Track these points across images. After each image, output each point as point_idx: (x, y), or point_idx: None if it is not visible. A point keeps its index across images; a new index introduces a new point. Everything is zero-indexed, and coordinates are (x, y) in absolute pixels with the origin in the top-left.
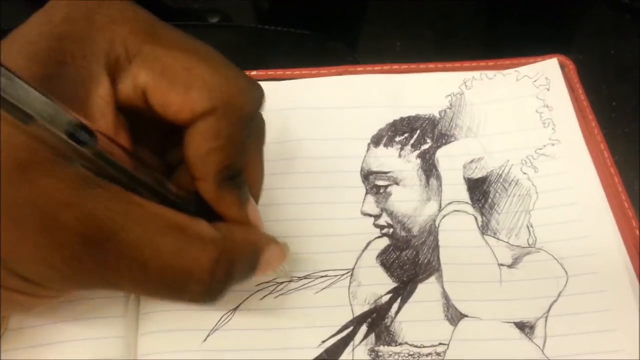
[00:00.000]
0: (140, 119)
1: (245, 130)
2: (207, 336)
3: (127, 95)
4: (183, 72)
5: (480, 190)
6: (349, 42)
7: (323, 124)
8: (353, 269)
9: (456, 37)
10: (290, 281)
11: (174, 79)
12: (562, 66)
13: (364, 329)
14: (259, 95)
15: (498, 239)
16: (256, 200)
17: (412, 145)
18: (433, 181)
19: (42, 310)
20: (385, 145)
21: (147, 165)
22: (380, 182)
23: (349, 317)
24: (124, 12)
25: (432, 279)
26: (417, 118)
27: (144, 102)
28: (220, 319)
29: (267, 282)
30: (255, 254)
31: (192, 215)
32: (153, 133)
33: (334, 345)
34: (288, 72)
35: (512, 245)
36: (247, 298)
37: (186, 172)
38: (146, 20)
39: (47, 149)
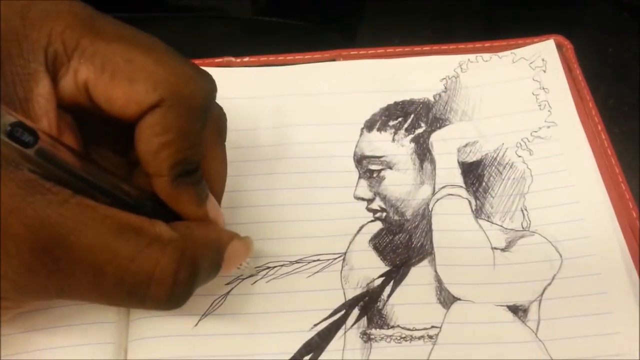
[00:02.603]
0: (95, 117)
1: (197, 122)
2: (199, 321)
3: (70, 93)
4: (125, 64)
5: (474, 174)
6: (346, 35)
7: (316, 109)
8: (345, 252)
9: (456, 34)
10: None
11: (116, 72)
12: (560, 47)
13: (356, 312)
14: (209, 85)
15: (492, 222)
16: (219, 196)
17: (406, 130)
18: (427, 165)
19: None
20: (379, 129)
21: (100, 166)
22: (373, 167)
23: (341, 301)
24: (59, 6)
25: (425, 262)
26: (411, 102)
27: (88, 99)
28: (212, 303)
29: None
30: (219, 252)
31: (149, 216)
32: (112, 131)
33: (326, 328)
34: (280, 57)
35: (506, 228)
36: (238, 284)
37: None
38: (83, 13)
39: None
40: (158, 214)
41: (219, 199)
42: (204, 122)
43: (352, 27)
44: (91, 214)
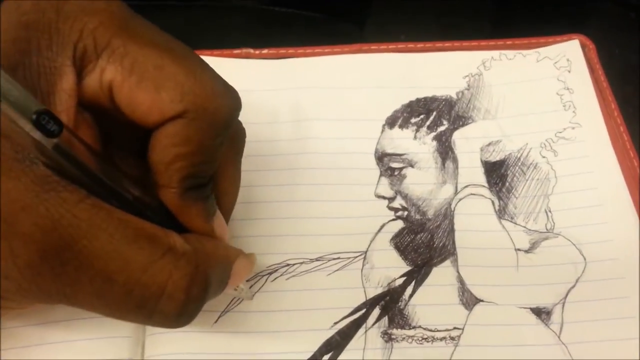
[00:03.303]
0: (112, 118)
1: (217, 138)
2: (218, 318)
3: (92, 91)
4: (154, 70)
5: (497, 174)
6: (353, 29)
7: (337, 103)
8: (366, 251)
9: (462, 30)
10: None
11: (144, 77)
12: (583, 46)
13: (376, 311)
14: (235, 102)
15: (515, 223)
16: (227, 213)
17: (428, 127)
18: (449, 164)
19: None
20: (401, 126)
21: (116, 168)
22: (394, 165)
23: (362, 300)
24: (95, 3)
25: (447, 262)
26: (433, 99)
27: (109, 100)
28: (232, 300)
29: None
30: (227, 268)
31: (160, 225)
32: (128, 133)
33: (347, 327)
34: (300, 50)
35: (530, 230)
36: (257, 280)
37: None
38: (119, 12)
39: (8, 146)
40: (168, 224)
41: (227, 216)
42: (223, 139)
43: (360, 21)
44: (106, 217)
